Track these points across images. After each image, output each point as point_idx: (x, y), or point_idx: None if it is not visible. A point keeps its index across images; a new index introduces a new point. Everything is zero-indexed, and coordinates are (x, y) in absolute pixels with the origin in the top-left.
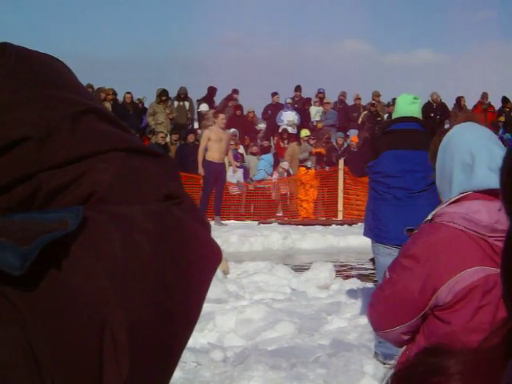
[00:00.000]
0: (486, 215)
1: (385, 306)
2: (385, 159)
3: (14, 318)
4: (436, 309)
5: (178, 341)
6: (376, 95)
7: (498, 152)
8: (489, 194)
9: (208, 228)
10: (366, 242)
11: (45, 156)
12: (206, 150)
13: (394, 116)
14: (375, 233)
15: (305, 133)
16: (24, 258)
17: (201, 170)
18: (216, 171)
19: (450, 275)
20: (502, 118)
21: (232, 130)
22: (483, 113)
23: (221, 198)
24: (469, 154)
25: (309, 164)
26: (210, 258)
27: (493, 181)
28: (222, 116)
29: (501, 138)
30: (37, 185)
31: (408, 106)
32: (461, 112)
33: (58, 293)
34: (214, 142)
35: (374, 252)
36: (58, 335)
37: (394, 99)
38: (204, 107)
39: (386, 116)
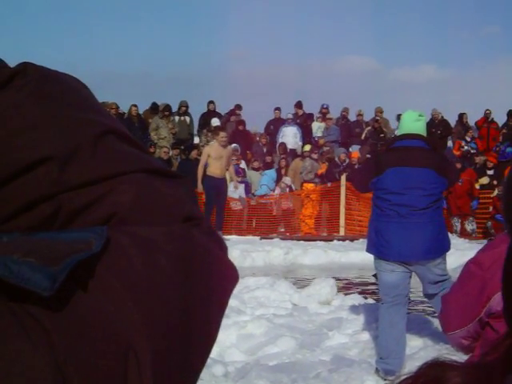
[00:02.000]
0: None
1: (449, 308)
2: (388, 176)
3: (43, 338)
4: (490, 317)
5: (197, 363)
6: (379, 111)
7: None
8: None
9: (225, 249)
10: (368, 257)
11: (66, 177)
12: (206, 166)
13: (399, 133)
14: (378, 249)
15: (307, 148)
16: (53, 278)
17: (200, 187)
18: (217, 186)
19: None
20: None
21: (233, 145)
22: (486, 129)
23: (222, 213)
24: None
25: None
26: (229, 279)
27: None
28: (222, 134)
29: (502, 152)
30: (58, 205)
31: (413, 123)
32: (462, 127)
33: (85, 314)
34: (213, 159)
35: (376, 268)
36: (85, 357)
37: (399, 115)
38: (215, 121)
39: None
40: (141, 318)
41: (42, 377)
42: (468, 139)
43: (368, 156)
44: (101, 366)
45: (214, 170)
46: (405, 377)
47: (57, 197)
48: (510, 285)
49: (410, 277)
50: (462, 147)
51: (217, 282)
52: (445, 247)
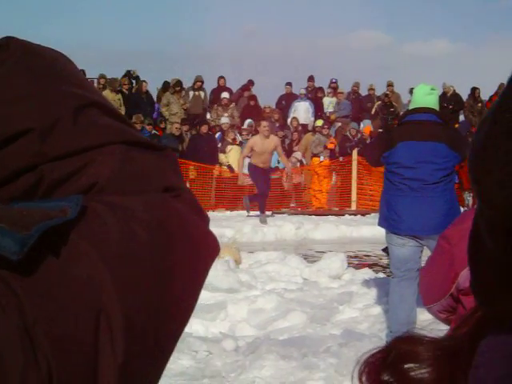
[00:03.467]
0: None
1: (424, 283)
2: (400, 150)
3: (11, 302)
4: (460, 293)
5: (173, 330)
6: (390, 85)
7: None
8: None
9: (206, 220)
10: (380, 232)
11: (47, 148)
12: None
13: (411, 106)
14: (389, 223)
15: (319, 123)
16: (23, 243)
17: (241, 181)
18: (262, 173)
19: None
20: None
21: (248, 120)
22: None
23: (264, 197)
24: None
25: (321, 158)
26: (208, 249)
27: None
28: (264, 124)
29: None
30: (39, 176)
31: (425, 97)
32: (474, 101)
33: (56, 279)
34: (257, 154)
35: (387, 242)
36: (55, 320)
37: (412, 89)
38: (225, 95)
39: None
40: (114, 284)
41: (9, 339)
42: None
43: (380, 130)
44: (71, 328)
45: (257, 163)
46: (375, 351)
47: (38, 167)
48: (476, 257)
49: (422, 251)
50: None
51: (195, 251)
52: None
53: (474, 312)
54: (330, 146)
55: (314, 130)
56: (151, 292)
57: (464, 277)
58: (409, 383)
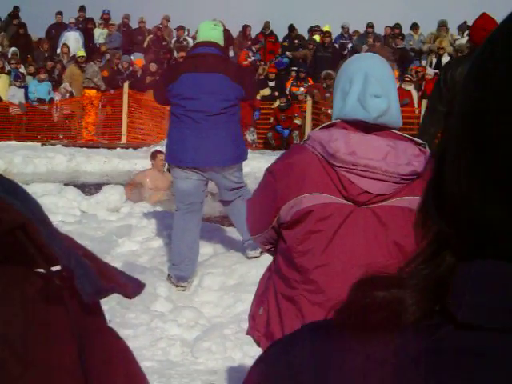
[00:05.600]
0: (342, 145)
1: (249, 213)
2: (182, 82)
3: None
4: (281, 226)
5: None
6: (166, 19)
7: (373, 87)
8: (354, 124)
9: None
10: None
11: None
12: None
13: (196, 41)
14: (173, 156)
15: (80, 53)
16: (99, 290)
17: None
18: None
19: (290, 196)
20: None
21: (12, 48)
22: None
23: None
24: (348, 83)
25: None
26: None
27: (358, 112)
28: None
29: (279, 62)
30: None
31: (209, 32)
32: (245, 40)
33: None
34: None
35: (172, 176)
36: None
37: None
38: None
39: (173, 40)
40: None
41: None
42: (254, 50)
43: (152, 64)
44: None
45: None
46: (351, 297)
47: None
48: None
49: (206, 184)
50: (249, 57)
51: None
52: (240, 155)
53: (430, 241)
54: (105, 74)
55: (83, 62)
56: None
57: (285, 211)
58: (390, 326)
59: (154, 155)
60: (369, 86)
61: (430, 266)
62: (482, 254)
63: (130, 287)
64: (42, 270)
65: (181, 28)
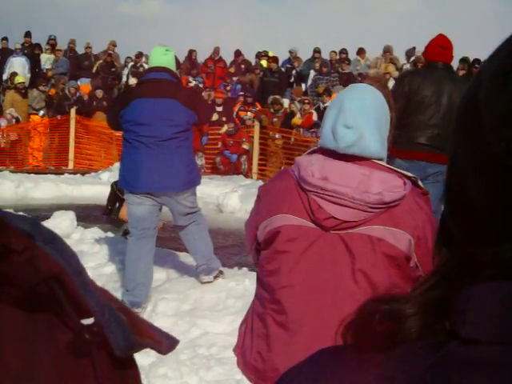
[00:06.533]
0: (317, 170)
1: (245, 232)
2: (135, 107)
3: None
4: (258, 246)
5: None
6: (112, 44)
7: (344, 118)
8: (332, 152)
9: None
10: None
11: None
12: None
13: (149, 67)
14: (127, 182)
15: (20, 79)
16: (132, 346)
17: None
18: None
19: (267, 216)
20: (232, 69)
21: None
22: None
23: None
24: (329, 112)
25: (41, 113)
26: None
27: (329, 141)
28: None
29: (233, 89)
30: None
31: (161, 57)
32: (191, 65)
33: None
34: None
35: (126, 201)
36: None
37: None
38: None
39: (130, 65)
40: None
41: None
42: (194, 75)
43: (98, 90)
44: None
45: None
46: (353, 315)
47: None
48: (461, 205)
49: (160, 210)
50: (190, 82)
51: None
52: (194, 180)
53: (443, 264)
54: (53, 98)
55: (34, 87)
56: None
57: (260, 230)
58: (395, 340)
59: None
60: (341, 116)
61: (435, 288)
62: (483, 274)
63: (165, 344)
64: (72, 321)
65: (140, 55)
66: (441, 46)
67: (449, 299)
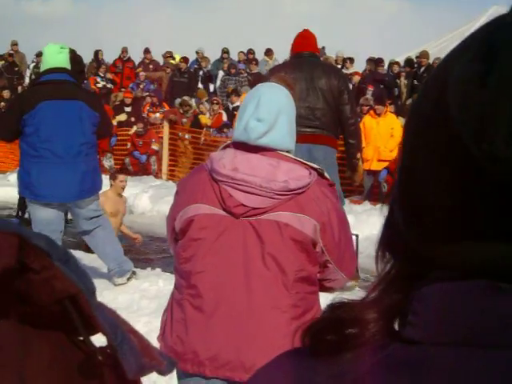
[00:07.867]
0: (228, 162)
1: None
2: (41, 111)
3: None
4: (177, 237)
5: None
6: (13, 44)
7: (257, 112)
8: (242, 146)
9: None
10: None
11: None
12: None
13: (44, 67)
14: (30, 190)
15: None
16: (142, 368)
17: None
18: None
19: (182, 207)
20: (140, 70)
21: None
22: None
23: None
24: (243, 109)
25: None
26: None
27: (242, 135)
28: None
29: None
30: None
31: (55, 56)
32: (97, 64)
33: None
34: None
35: (29, 206)
36: None
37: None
38: None
39: (31, 66)
40: None
41: None
42: (102, 75)
43: (5, 91)
44: None
45: None
46: (315, 320)
47: None
48: (419, 212)
49: (66, 213)
50: (98, 83)
51: None
52: (98, 186)
53: (391, 268)
54: None
55: None
56: None
57: (177, 220)
58: (353, 345)
59: (113, 176)
60: (255, 111)
61: (388, 293)
62: (430, 276)
63: (165, 365)
64: (84, 341)
65: (40, 54)
66: (305, 37)
67: (400, 303)
